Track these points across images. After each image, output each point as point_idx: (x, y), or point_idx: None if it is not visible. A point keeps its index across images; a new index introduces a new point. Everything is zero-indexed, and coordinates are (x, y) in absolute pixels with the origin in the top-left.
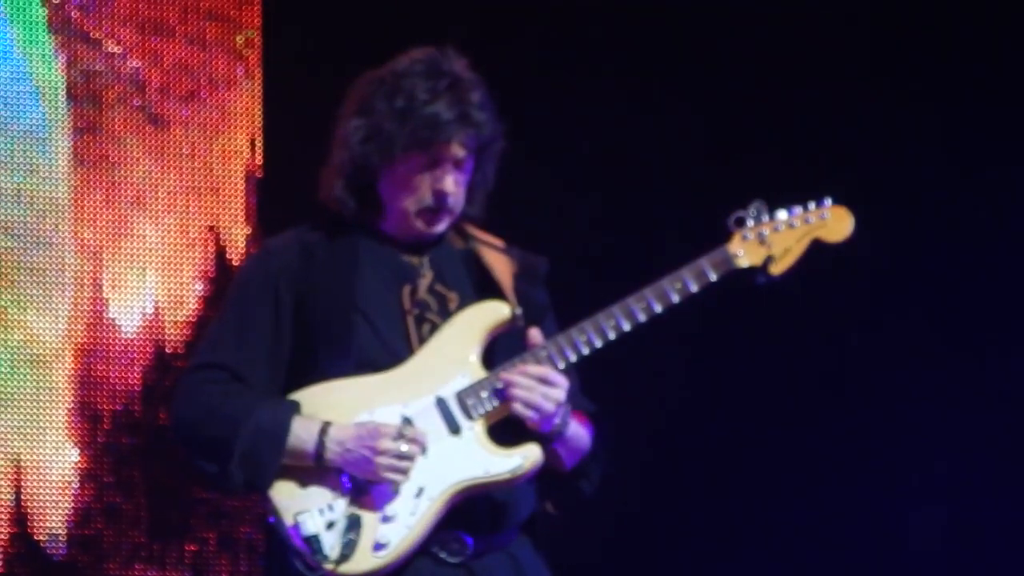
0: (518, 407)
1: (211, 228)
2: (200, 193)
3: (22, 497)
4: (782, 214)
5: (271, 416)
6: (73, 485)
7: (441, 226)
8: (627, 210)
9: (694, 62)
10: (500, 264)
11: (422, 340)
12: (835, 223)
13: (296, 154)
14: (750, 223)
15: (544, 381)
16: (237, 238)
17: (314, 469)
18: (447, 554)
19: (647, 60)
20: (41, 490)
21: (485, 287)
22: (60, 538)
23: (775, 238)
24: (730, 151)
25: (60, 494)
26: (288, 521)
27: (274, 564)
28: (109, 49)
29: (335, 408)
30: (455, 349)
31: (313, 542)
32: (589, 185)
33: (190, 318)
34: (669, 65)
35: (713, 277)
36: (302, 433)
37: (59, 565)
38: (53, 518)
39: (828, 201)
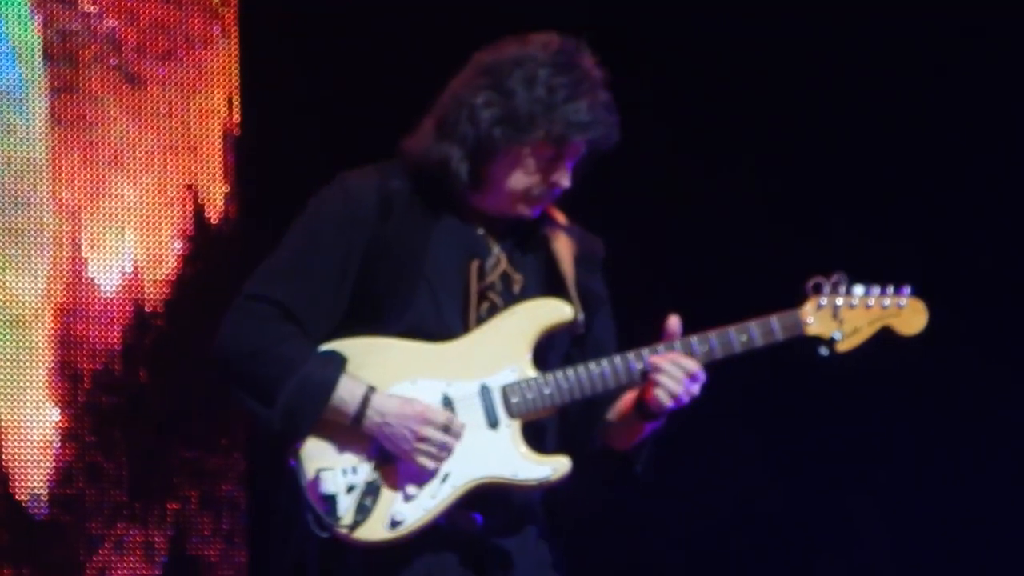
0: (659, 392)
1: (189, 187)
2: (178, 152)
3: (3, 457)
4: (859, 290)
5: (319, 370)
6: (54, 445)
7: (538, 212)
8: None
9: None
10: (564, 247)
11: (479, 319)
12: (910, 315)
13: (273, 112)
14: (826, 291)
15: (691, 376)
16: (215, 196)
17: (347, 429)
18: (455, 530)
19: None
20: (22, 450)
21: (550, 273)
22: (42, 498)
23: (848, 314)
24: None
25: (41, 454)
26: (309, 474)
27: (278, 516)
28: (85, 8)
29: (379, 369)
30: (509, 341)
31: (329, 501)
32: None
33: (169, 277)
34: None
35: (780, 337)
36: (345, 394)
37: (41, 524)
38: (34, 478)
39: (907, 290)
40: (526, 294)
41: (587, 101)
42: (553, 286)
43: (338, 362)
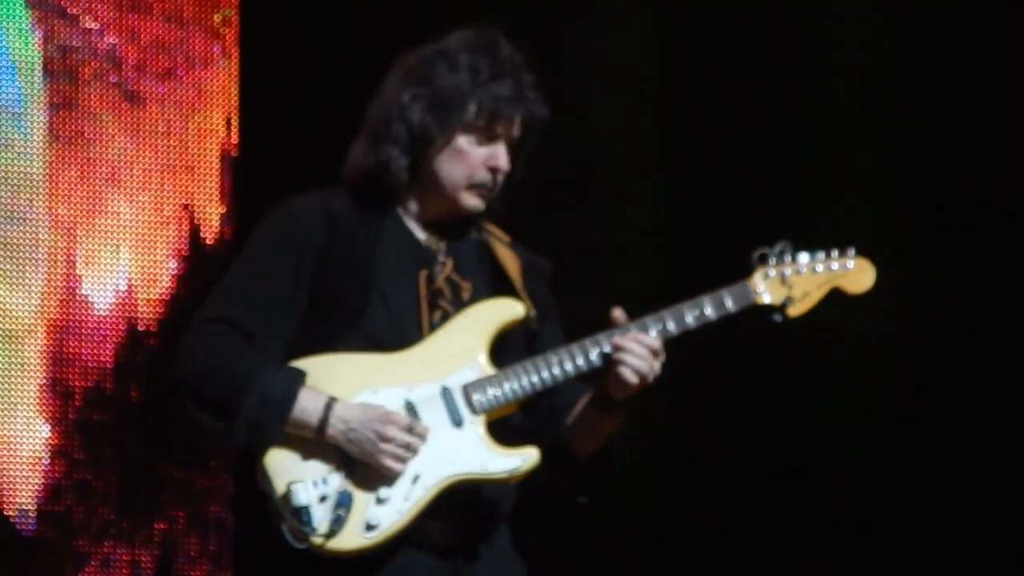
0: (625, 371)
1: (185, 207)
2: (175, 171)
3: None
4: (804, 257)
5: (279, 384)
6: (43, 461)
7: (484, 203)
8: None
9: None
10: (509, 260)
11: (432, 326)
12: (857, 274)
13: (271, 134)
14: (772, 261)
15: (655, 353)
16: (211, 217)
17: (313, 441)
18: (427, 541)
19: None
20: (11, 465)
21: (498, 280)
22: (29, 514)
23: (796, 280)
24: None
25: (30, 470)
26: (280, 489)
27: (260, 538)
28: (86, 25)
29: (339, 381)
30: (465, 341)
31: (303, 513)
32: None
33: (163, 296)
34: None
35: (732, 308)
36: (307, 405)
37: (28, 540)
38: (23, 494)
39: (852, 251)
40: (475, 300)
41: (511, 78)
42: (502, 290)
43: (297, 376)
